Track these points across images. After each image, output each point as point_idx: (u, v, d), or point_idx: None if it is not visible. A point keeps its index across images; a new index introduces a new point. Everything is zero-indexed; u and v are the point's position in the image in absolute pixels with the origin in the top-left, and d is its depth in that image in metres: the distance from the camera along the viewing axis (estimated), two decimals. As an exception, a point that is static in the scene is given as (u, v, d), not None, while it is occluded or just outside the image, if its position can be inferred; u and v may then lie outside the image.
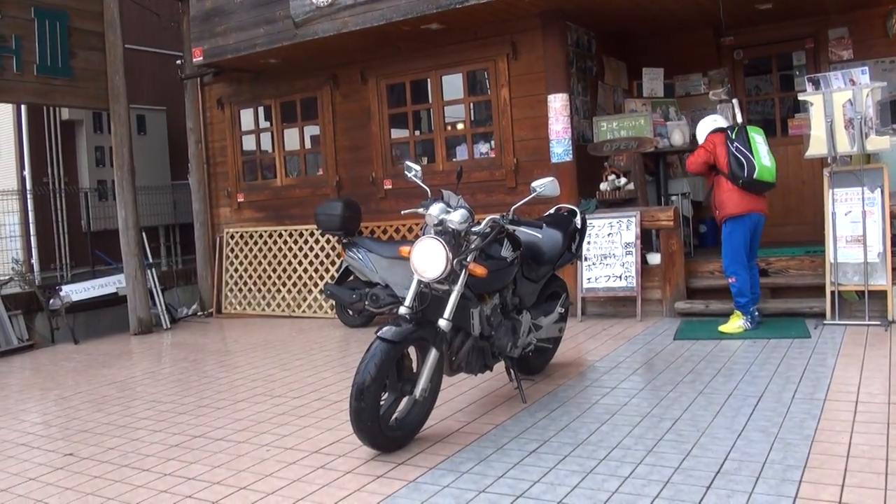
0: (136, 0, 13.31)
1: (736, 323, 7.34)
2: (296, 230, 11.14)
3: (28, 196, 13.17)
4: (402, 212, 5.74)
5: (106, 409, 6.61)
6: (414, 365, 4.92)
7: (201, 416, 6.02)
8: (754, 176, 7.06)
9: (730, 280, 7.37)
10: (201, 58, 10.74)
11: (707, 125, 7.62)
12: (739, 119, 7.70)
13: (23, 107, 13.24)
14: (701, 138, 7.59)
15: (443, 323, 4.77)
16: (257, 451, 5.02)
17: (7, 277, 11.66)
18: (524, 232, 5.33)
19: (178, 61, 12.46)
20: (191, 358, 8.78)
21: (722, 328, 7.36)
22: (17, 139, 13.67)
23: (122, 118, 10.87)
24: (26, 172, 13.48)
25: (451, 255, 4.69)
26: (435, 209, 5.00)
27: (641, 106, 9.97)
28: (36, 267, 13.14)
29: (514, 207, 5.25)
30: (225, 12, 10.36)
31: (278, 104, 11.40)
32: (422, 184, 5.37)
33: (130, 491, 4.53)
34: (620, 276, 8.57)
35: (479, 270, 4.87)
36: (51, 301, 10.77)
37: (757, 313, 7.39)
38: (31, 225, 13.10)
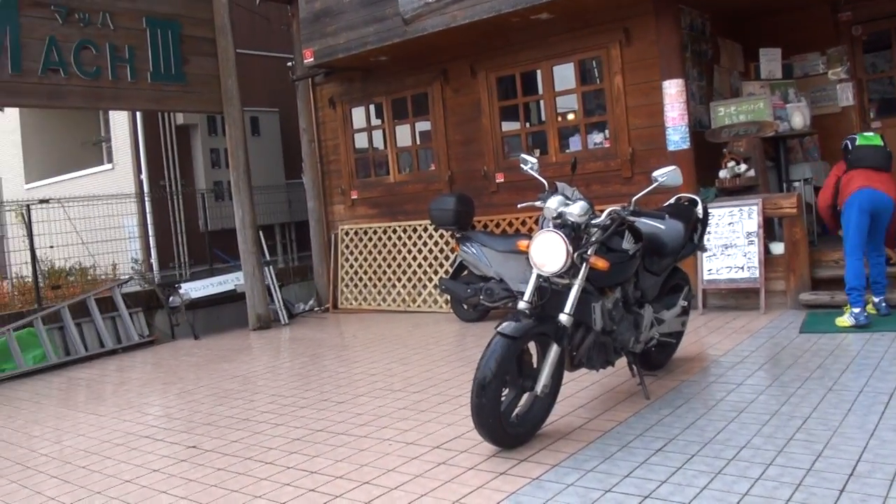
0: (246, 6, 13.59)
1: (843, 317, 6.95)
2: (409, 226, 11.20)
3: (146, 199, 13.63)
4: (519, 205, 5.66)
5: (228, 402, 6.78)
6: (534, 360, 4.84)
7: (323, 411, 6.09)
8: (857, 142, 6.78)
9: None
10: (312, 59, 10.90)
11: None
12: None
13: (138, 113, 13.72)
14: None
15: (564, 317, 4.68)
16: (379, 445, 5.04)
17: (127, 276, 12.09)
18: (645, 223, 5.17)
19: (289, 63, 12.69)
20: (310, 353, 8.91)
21: (837, 321, 6.98)
22: (133, 144, 14.21)
23: (236, 121, 11.13)
24: (143, 176, 13.99)
25: (571, 249, 4.60)
26: (553, 202, 4.91)
27: (759, 89, 9.61)
28: (155, 266, 13.61)
29: (634, 198, 5.10)
30: (334, 13, 10.48)
31: (389, 101, 11.48)
32: (538, 176, 5.28)
33: (253, 484, 4.62)
34: (742, 267, 8.29)
35: (601, 264, 4.76)
36: (171, 298, 11.12)
37: (885, 304, 7.01)
38: (149, 226, 13.56)
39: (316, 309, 12.29)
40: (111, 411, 6.97)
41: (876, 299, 7.10)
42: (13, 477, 5.35)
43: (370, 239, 11.68)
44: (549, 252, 4.66)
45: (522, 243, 4.98)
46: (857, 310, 6.82)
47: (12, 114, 17.75)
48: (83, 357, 9.98)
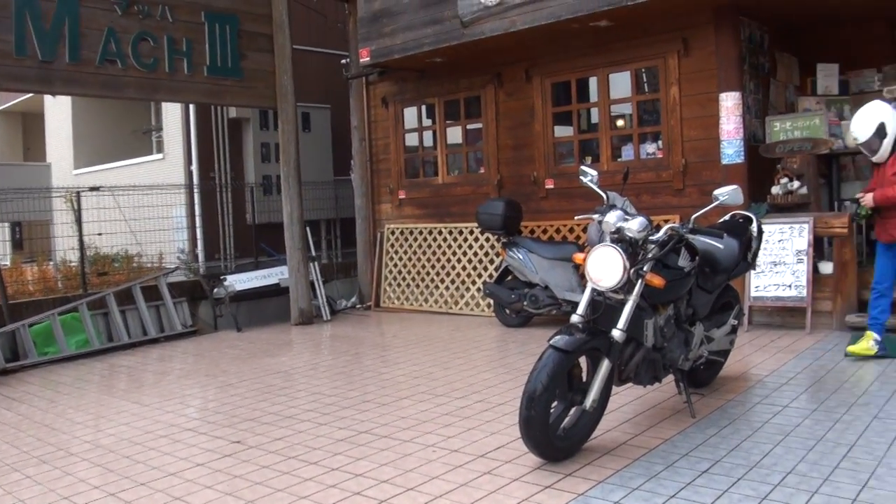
0: (304, 2, 13.67)
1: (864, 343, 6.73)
2: (456, 228, 11.20)
3: (195, 190, 13.77)
4: (576, 217, 5.63)
5: (271, 398, 6.81)
6: (584, 374, 4.81)
7: (366, 412, 6.10)
8: None
9: None
10: (368, 58, 10.94)
11: (890, 116, 6.45)
12: None
13: (190, 106, 13.86)
14: (889, 130, 6.43)
15: (617, 333, 4.65)
16: (423, 451, 5.04)
17: (174, 266, 12.22)
18: (702, 241, 5.13)
19: (343, 61, 12.75)
20: (352, 351, 8.95)
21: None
22: (185, 136, 14.37)
23: (290, 116, 11.20)
24: (194, 167, 14.14)
25: (628, 265, 4.57)
26: (612, 216, 4.87)
27: (815, 104, 9.47)
28: (201, 257, 13.76)
29: (693, 217, 5.07)
30: (393, 13, 10.51)
31: (442, 102, 11.49)
32: (598, 189, 5.26)
33: (299, 484, 4.63)
34: (790, 286, 8.17)
35: (657, 281, 4.72)
36: (215, 290, 11.21)
37: None
38: (197, 217, 13.70)
39: (358, 306, 12.34)
40: (154, 401, 7.04)
41: None
42: (57, 463, 5.41)
43: (415, 239, 11.70)
44: (606, 267, 4.63)
45: (578, 256, 4.97)
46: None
47: (64, 100, 18.06)
48: (126, 344, 10.10)
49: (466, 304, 10.96)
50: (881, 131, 6.40)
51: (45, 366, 9.23)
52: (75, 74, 9.38)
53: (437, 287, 11.38)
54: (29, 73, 9.06)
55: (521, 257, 9.09)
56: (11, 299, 9.84)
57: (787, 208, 8.62)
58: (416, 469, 4.71)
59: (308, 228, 11.68)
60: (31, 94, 18.22)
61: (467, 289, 10.98)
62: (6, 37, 8.76)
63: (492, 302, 10.05)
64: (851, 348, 6.77)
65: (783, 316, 8.38)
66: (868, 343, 6.68)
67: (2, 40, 8.74)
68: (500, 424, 5.47)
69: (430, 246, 11.52)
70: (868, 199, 6.54)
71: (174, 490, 4.69)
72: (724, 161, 8.66)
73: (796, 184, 8.61)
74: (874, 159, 6.59)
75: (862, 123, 6.51)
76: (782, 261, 8.25)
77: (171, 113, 14.94)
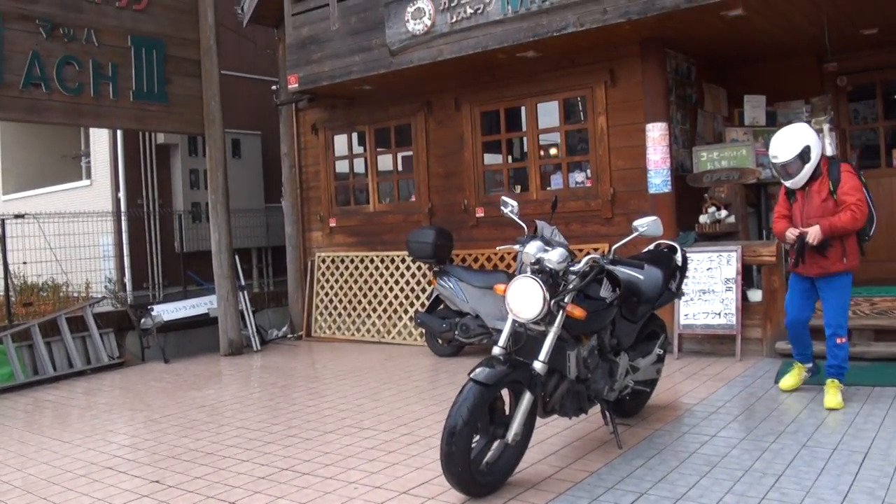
0: (233, 28, 13.55)
1: (837, 397, 6.12)
2: (387, 256, 11.12)
3: (122, 217, 13.48)
4: (498, 248, 5.63)
5: (194, 434, 6.64)
6: (507, 407, 4.76)
7: (289, 447, 5.97)
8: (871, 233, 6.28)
9: (839, 341, 6.16)
10: (296, 84, 10.84)
11: (814, 141, 6.14)
12: (830, 151, 6.96)
13: (118, 131, 13.59)
14: (813, 155, 6.11)
15: (538, 365, 4.61)
16: (345, 488, 4.93)
17: (100, 296, 11.92)
18: (623, 272, 5.12)
19: (274, 87, 12.64)
20: (280, 383, 8.78)
21: (828, 404, 6.13)
22: (112, 162, 14.07)
23: (218, 143, 11.04)
24: (121, 194, 13.84)
25: (548, 296, 4.54)
26: (532, 247, 4.85)
27: (743, 135, 9.64)
28: (129, 286, 13.45)
29: (614, 247, 5.07)
30: (321, 40, 10.44)
31: (372, 130, 11.43)
32: (518, 220, 5.24)
33: (216, 525, 4.49)
34: (720, 313, 8.26)
35: (578, 312, 4.70)
36: (142, 320, 10.95)
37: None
38: (124, 245, 13.41)
39: (289, 336, 12.16)
40: (76, 438, 6.82)
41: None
42: (-30, 505, 5.21)
43: (346, 268, 11.59)
44: (525, 298, 4.60)
45: (499, 287, 4.91)
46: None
47: (-9, 124, 17.57)
48: (51, 377, 9.79)
49: (399, 333, 10.87)
50: (805, 155, 6.06)
51: (-36, 401, 8.90)
52: (-1, 99, 9.15)
53: (368, 316, 11.27)
54: (-52, 97, 8.79)
55: (451, 286, 9.03)
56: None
57: (716, 237, 8.73)
58: (337, 507, 4.60)
59: (238, 257, 11.48)
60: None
61: (399, 318, 10.89)
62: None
63: (423, 331, 9.97)
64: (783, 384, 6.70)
65: (713, 343, 8.45)
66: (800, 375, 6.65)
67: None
68: (426, 459, 5.38)
69: (361, 274, 11.41)
70: (814, 232, 6.04)
71: (84, 534, 4.52)
72: (652, 190, 8.74)
73: (724, 213, 8.72)
74: (788, 183, 6.26)
75: (785, 144, 6.14)
76: (711, 289, 8.33)
77: (100, 138, 14.61)
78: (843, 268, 6.14)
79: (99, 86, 9.96)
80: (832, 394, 6.13)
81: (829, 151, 8.57)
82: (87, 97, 9.87)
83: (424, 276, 10.59)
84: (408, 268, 10.83)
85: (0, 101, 9.19)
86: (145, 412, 7.70)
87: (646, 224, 5.13)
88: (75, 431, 7.10)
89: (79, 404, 8.54)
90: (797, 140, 6.10)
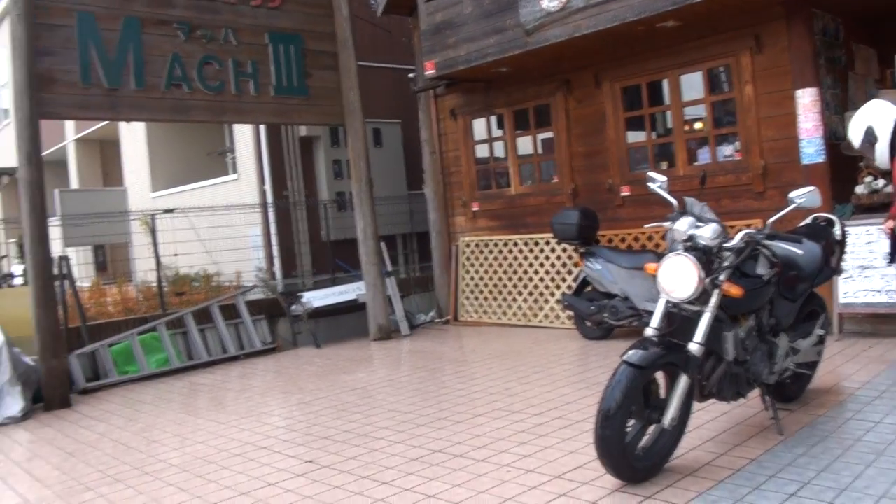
0: (367, 18, 13.71)
1: None
2: (531, 239, 11.04)
3: (269, 209, 13.91)
4: (645, 227, 5.45)
5: (346, 416, 6.77)
6: (662, 390, 4.62)
7: (441, 430, 6.01)
8: None
9: None
10: (433, 70, 10.88)
11: (880, 118, 5.94)
12: None
13: (261, 126, 14.02)
14: (879, 134, 5.91)
15: (694, 347, 4.45)
16: (497, 471, 4.91)
17: (251, 285, 12.34)
18: (781, 247, 4.88)
19: (411, 75, 12.73)
20: (429, 366, 8.87)
21: None
22: (256, 156, 14.56)
23: (358, 132, 11.22)
24: (267, 186, 14.32)
25: (702, 274, 4.37)
26: (683, 224, 4.67)
27: (898, 96, 9.07)
28: (278, 275, 13.90)
29: (770, 221, 4.84)
30: (455, 25, 10.44)
31: (511, 112, 11.36)
32: (667, 195, 5.06)
33: (369, 505, 4.55)
34: (881, 290, 7.77)
35: (735, 290, 4.50)
36: (293, 307, 11.28)
37: None
38: (272, 236, 13.85)
39: (437, 320, 12.27)
40: (231, 419, 7.09)
41: None
42: (131, 482, 5.47)
43: (491, 251, 11.58)
44: (678, 277, 4.44)
45: (650, 266, 4.77)
46: None
47: (139, 126, 18.57)
48: (206, 362, 10.24)
49: (546, 316, 10.79)
50: (870, 136, 5.86)
51: (125, 385, 9.41)
52: (142, 100, 9.56)
53: (514, 300, 11.23)
54: (95, 101, 9.26)
55: (598, 268, 8.89)
56: (92, 320, 10.06)
57: (874, 208, 8.22)
58: (490, 491, 4.58)
59: (384, 243, 11.66)
60: (105, 122, 18.72)
61: (546, 301, 10.80)
62: (72, 67, 8.96)
63: (571, 314, 9.85)
64: None
65: (874, 323, 7.99)
66: None
67: (68, 70, 8.94)
68: (578, 443, 5.30)
69: (505, 258, 11.38)
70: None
71: (245, 513, 4.67)
72: (805, 161, 8.32)
73: (881, 182, 8.22)
74: (878, 164, 6.06)
75: (853, 129, 5.97)
76: (871, 264, 7.86)
77: (244, 134, 15.16)
78: None
79: (240, 83, 10.29)
80: None
81: None
82: (228, 94, 10.22)
83: (570, 257, 10.46)
84: (553, 250, 10.72)
85: (144, 103, 9.61)
86: (298, 395, 7.92)
87: (803, 195, 4.88)
88: (230, 413, 7.38)
89: (233, 387, 8.88)
90: (859, 124, 5.96)
